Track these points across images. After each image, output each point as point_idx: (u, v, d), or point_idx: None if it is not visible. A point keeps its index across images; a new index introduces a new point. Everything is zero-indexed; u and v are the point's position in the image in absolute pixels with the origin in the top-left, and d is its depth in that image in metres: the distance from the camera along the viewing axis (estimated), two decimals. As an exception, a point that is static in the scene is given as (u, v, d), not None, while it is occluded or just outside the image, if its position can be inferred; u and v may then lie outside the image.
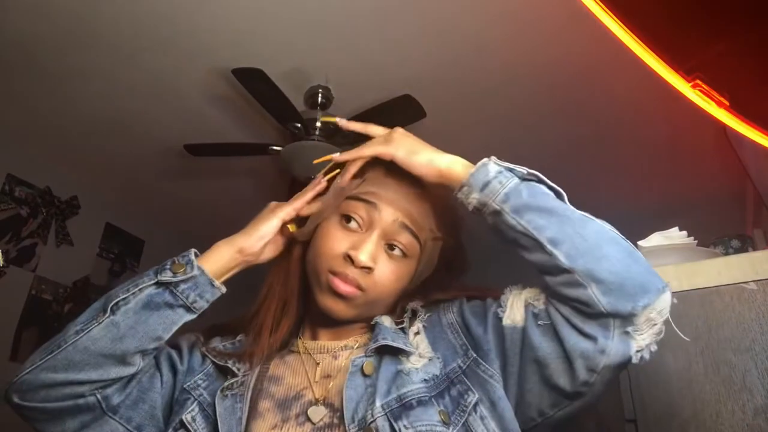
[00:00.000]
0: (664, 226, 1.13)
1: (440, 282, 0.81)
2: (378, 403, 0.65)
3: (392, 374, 0.70)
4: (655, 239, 1.10)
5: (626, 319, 0.61)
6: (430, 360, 0.71)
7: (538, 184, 0.70)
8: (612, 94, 2.43)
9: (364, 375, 0.70)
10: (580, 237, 0.64)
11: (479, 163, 0.72)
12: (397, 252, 0.75)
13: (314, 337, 0.80)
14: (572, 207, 0.68)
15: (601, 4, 0.75)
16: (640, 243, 1.11)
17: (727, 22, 0.74)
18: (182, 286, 0.71)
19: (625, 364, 0.62)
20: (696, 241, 1.10)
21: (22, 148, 3.08)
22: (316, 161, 0.81)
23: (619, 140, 2.77)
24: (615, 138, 2.76)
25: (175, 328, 0.72)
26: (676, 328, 0.66)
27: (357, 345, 0.77)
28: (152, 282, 0.71)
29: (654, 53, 0.75)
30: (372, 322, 0.77)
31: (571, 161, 2.96)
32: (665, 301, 0.62)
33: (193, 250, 0.75)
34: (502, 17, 2.08)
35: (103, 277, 3.52)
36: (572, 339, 0.63)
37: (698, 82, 0.74)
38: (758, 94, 0.79)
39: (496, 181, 0.70)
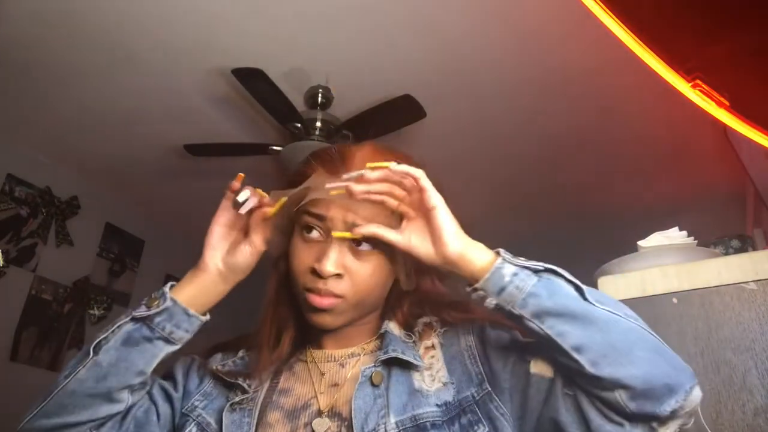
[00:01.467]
0: (664, 226, 1.13)
1: (441, 278, 0.80)
2: (393, 419, 0.66)
3: (407, 390, 0.69)
4: (655, 239, 1.10)
5: (653, 419, 0.60)
6: (444, 385, 0.70)
7: (557, 279, 0.65)
8: (612, 94, 2.43)
9: (373, 385, 0.70)
10: (607, 343, 0.61)
11: (493, 267, 0.64)
12: (364, 246, 0.72)
13: (320, 346, 0.79)
14: (593, 300, 0.63)
15: (601, 4, 0.75)
16: (640, 243, 1.11)
17: (727, 23, 0.74)
18: (157, 319, 0.70)
19: None
20: (696, 241, 1.10)
21: (22, 148, 3.08)
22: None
23: (619, 140, 2.77)
24: (615, 138, 2.76)
25: (156, 361, 0.71)
26: (705, 424, 0.67)
27: (364, 353, 0.77)
28: (129, 318, 0.71)
29: (654, 53, 0.75)
30: (381, 331, 0.76)
31: (571, 161, 2.96)
32: (694, 400, 0.60)
33: (170, 283, 0.74)
34: (502, 17, 2.08)
35: (103, 277, 3.52)
36: (597, 421, 0.62)
37: (698, 82, 0.74)
38: (758, 94, 0.79)
39: (513, 286, 0.64)
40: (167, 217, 3.84)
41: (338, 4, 2.07)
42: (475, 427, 0.66)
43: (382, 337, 0.75)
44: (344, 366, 0.76)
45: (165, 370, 0.80)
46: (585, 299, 0.63)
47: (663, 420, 0.59)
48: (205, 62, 2.37)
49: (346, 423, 0.68)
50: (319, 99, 2.48)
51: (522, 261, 0.66)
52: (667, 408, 0.59)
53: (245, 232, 0.75)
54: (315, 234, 0.73)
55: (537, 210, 3.40)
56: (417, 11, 2.08)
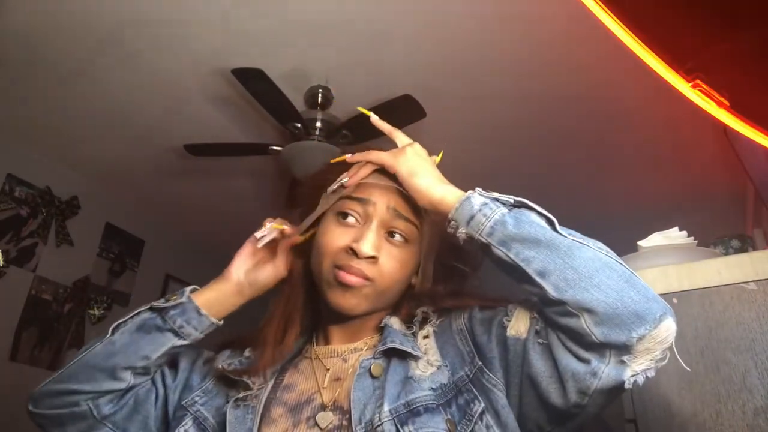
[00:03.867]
0: (664, 226, 1.13)
1: (455, 285, 0.81)
2: (386, 407, 0.66)
3: (401, 378, 0.70)
4: (655, 239, 1.10)
5: (621, 349, 0.59)
6: (438, 368, 0.71)
7: (527, 212, 0.67)
8: (612, 94, 2.43)
9: (372, 376, 0.71)
10: (569, 267, 0.62)
11: (463, 197, 0.69)
12: (398, 238, 0.76)
13: (327, 341, 0.80)
14: (564, 233, 0.65)
15: (601, 4, 0.75)
16: (640, 243, 1.11)
17: (727, 23, 0.74)
18: (171, 312, 0.78)
19: (618, 389, 0.61)
20: (696, 241, 1.10)
21: (22, 148, 3.08)
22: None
23: (619, 140, 2.77)
24: (615, 138, 2.76)
25: (162, 350, 0.78)
26: (677, 356, 0.63)
27: (366, 347, 0.78)
28: (147, 307, 0.80)
29: (654, 53, 0.75)
30: (381, 324, 0.78)
31: (571, 161, 2.96)
32: (665, 329, 0.59)
33: (193, 286, 0.82)
34: (502, 18, 2.09)
35: (103, 277, 3.52)
36: (565, 360, 0.62)
37: (698, 82, 0.74)
38: (758, 94, 0.79)
39: (481, 213, 0.67)
40: (167, 217, 3.84)
41: (338, 4, 2.07)
42: (472, 405, 0.67)
43: (382, 331, 0.77)
44: (347, 360, 0.77)
45: (172, 358, 0.84)
46: (555, 230, 0.65)
47: (633, 351, 0.58)
48: (205, 62, 2.37)
49: (347, 416, 0.68)
50: (319, 99, 2.48)
51: (494, 194, 0.69)
52: (634, 335, 0.58)
53: (272, 253, 0.83)
54: (351, 219, 0.77)
55: (537, 210, 3.40)
56: (417, 11, 2.08)
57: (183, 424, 0.74)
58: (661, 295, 0.90)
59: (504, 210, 0.67)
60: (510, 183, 3.16)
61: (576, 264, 0.62)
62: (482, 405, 0.67)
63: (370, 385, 0.70)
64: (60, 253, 3.26)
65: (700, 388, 0.83)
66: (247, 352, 0.81)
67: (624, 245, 1.14)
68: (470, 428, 0.65)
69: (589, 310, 0.59)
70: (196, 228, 3.90)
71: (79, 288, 3.36)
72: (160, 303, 0.79)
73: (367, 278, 0.74)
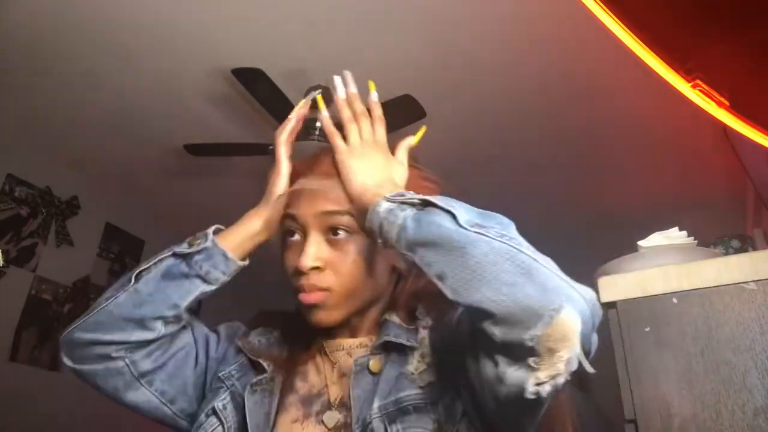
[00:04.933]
0: (664, 226, 1.13)
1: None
2: (375, 404, 0.66)
3: (395, 375, 0.70)
4: (655, 239, 1.10)
5: (523, 350, 0.52)
6: (428, 366, 0.70)
7: (431, 211, 0.63)
8: (612, 94, 2.43)
9: (372, 373, 0.71)
10: (463, 266, 0.57)
11: (371, 207, 0.67)
12: (341, 234, 0.74)
13: (333, 335, 0.79)
14: (467, 224, 0.59)
15: (601, 4, 0.75)
16: (640, 243, 1.11)
17: (727, 23, 0.74)
18: (196, 257, 0.75)
19: (524, 398, 0.53)
20: (696, 241, 1.10)
21: (22, 148, 3.08)
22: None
23: (619, 140, 2.78)
24: (615, 138, 2.76)
25: (190, 297, 0.75)
26: (586, 364, 0.54)
27: (372, 343, 0.77)
28: (170, 254, 0.76)
29: (654, 53, 0.75)
30: (382, 320, 0.77)
31: (571, 161, 2.96)
32: (562, 324, 0.51)
33: (216, 226, 0.79)
34: (503, 18, 2.09)
35: (103, 277, 3.52)
36: (482, 363, 0.58)
37: (698, 82, 0.74)
38: (758, 94, 0.79)
39: (387, 221, 0.64)
40: (167, 217, 3.84)
41: (338, 3, 2.07)
42: (455, 405, 0.67)
43: (382, 325, 0.76)
44: (351, 356, 0.76)
45: (212, 327, 0.84)
46: (457, 224, 0.59)
47: (537, 353, 0.51)
48: (205, 62, 2.37)
49: (350, 413, 0.69)
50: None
51: (401, 197, 0.66)
52: (528, 335, 0.51)
53: None
54: (296, 237, 0.76)
55: (536, 210, 3.40)
56: (417, 11, 2.08)
57: (221, 398, 0.74)
58: (661, 295, 0.91)
59: (408, 213, 0.64)
60: (510, 183, 3.17)
61: (469, 261, 0.57)
62: (461, 405, 0.67)
63: (370, 382, 0.70)
64: (60, 253, 3.26)
65: (700, 388, 0.83)
66: (276, 333, 0.81)
67: (624, 245, 1.14)
68: (455, 428, 0.65)
69: (484, 311, 0.54)
70: (196, 228, 3.87)
71: (79, 288, 3.36)
72: (183, 248, 0.76)
73: (323, 289, 0.72)
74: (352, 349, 0.77)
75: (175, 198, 3.58)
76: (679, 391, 0.84)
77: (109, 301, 0.74)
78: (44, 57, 2.38)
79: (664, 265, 0.94)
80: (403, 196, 0.66)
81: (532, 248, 0.58)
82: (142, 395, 0.75)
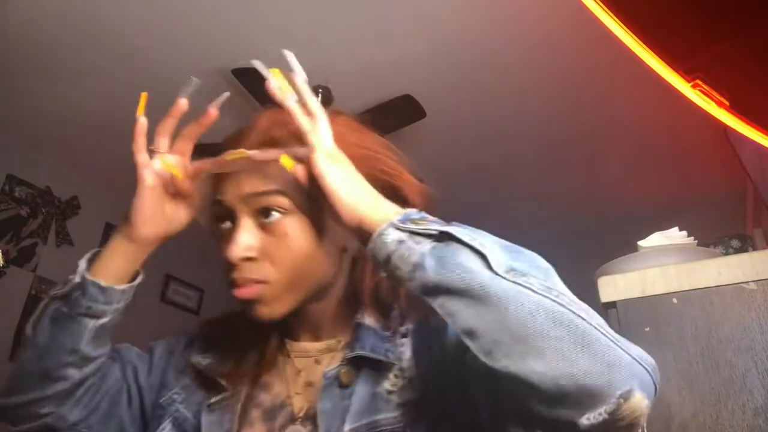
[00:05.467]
0: (664, 226, 1.13)
1: None
2: (347, 427, 0.59)
3: (370, 392, 0.62)
4: (655, 239, 1.10)
5: (571, 429, 0.46)
6: (409, 381, 0.62)
7: (453, 246, 0.52)
8: (612, 94, 2.43)
9: (342, 386, 0.63)
10: (500, 326, 0.47)
11: (376, 233, 0.54)
12: (274, 216, 0.63)
13: (296, 337, 0.71)
14: (501, 270, 0.49)
15: (601, 5, 0.75)
16: (640, 243, 1.11)
17: (727, 23, 0.74)
18: (73, 295, 0.66)
19: None
20: (696, 241, 1.10)
21: (22, 148, 3.08)
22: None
23: (619, 140, 2.78)
24: (615, 138, 2.76)
25: (85, 337, 0.66)
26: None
27: (341, 346, 0.69)
28: (50, 298, 0.68)
29: (654, 53, 0.75)
30: (355, 321, 0.68)
31: (571, 161, 2.96)
32: (635, 409, 0.45)
33: (94, 250, 0.69)
34: (503, 18, 2.09)
35: (103, 277, 3.52)
36: (506, 421, 0.52)
37: (698, 82, 0.74)
38: (758, 94, 0.79)
39: (397, 255, 0.53)
40: (167, 217, 3.84)
41: (338, 3, 2.07)
42: (442, 424, 0.60)
43: (356, 330, 0.67)
44: (320, 362, 0.68)
45: (147, 347, 0.76)
46: (489, 267, 0.49)
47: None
48: (205, 62, 2.37)
49: (317, 429, 0.62)
50: (319, 99, 2.47)
51: (414, 226, 0.54)
52: (586, 420, 0.44)
53: (175, 194, 0.70)
54: (227, 224, 0.67)
55: (536, 210, 3.40)
56: (417, 11, 2.08)
57: (161, 427, 0.67)
58: (661, 295, 0.91)
59: (425, 248, 0.52)
60: (509, 182, 3.17)
61: (510, 321, 0.47)
62: (449, 424, 0.59)
63: (339, 396, 0.63)
64: (60, 253, 3.25)
65: (700, 388, 0.83)
66: (222, 341, 0.72)
67: (624, 245, 1.14)
68: None
69: (527, 384, 0.46)
70: (196, 228, 3.89)
71: (79, 288, 3.36)
72: (58, 290, 0.67)
73: (258, 281, 0.63)
74: (319, 354, 0.69)
75: (175, 198, 3.58)
76: (679, 391, 0.84)
77: (19, 361, 0.68)
78: (44, 57, 2.38)
79: (664, 265, 0.94)
80: (413, 222, 0.55)
81: (579, 303, 0.49)
82: None
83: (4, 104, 2.73)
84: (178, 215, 0.69)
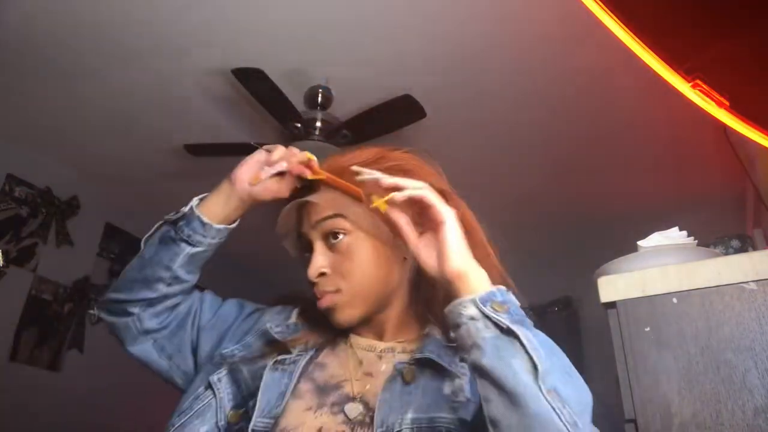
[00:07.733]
0: (664, 226, 1.13)
1: None
2: (410, 415, 0.66)
3: (433, 391, 0.70)
4: (655, 239, 1.10)
5: None
6: (467, 401, 0.69)
7: (514, 345, 0.58)
8: (612, 94, 2.43)
9: (404, 381, 0.71)
10: (521, 429, 0.55)
11: (457, 301, 0.63)
12: (341, 237, 0.77)
13: (360, 334, 0.81)
14: (545, 389, 0.55)
15: (601, 5, 0.75)
16: (640, 243, 1.11)
17: (727, 23, 0.74)
18: (180, 223, 0.82)
19: None
20: (696, 241, 1.10)
21: (22, 148, 3.08)
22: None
23: (618, 140, 2.77)
24: (615, 138, 2.76)
25: (180, 259, 0.81)
26: None
27: (401, 350, 0.78)
28: (163, 221, 0.85)
29: (654, 53, 0.75)
30: (424, 332, 0.78)
31: (571, 161, 2.96)
32: None
33: (202, 195, 0.84)
34: (503, 18, 2.09)
35: (103, 277, 3.52)
36: None
37: (698, 82, 0.74)
38: (758, 94, 0.79)
39: (465, 329, 0.61)
40: (167, 217, 3.84)
41: (338, 4, 2.07)
42: None
43: (424, 338, 0.77)
44: (381, 358, 0.77)
45: (238, 300, 0.91)
46: (536, 379, 0.56)
47: None
48: (205, 62, 2.37)
49: (370, 413, 0.69)
50: (319, 99, 2.48)
51: (491, 311, 0.60)
52: None
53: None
54: (309, 255, 0.80)
55: (536, 210, 3.40)
56: (417, 11, 2.08)
57: (218, 372, 0.76)
58: (661, 295, 0.91)
59: (490, 335, 0.59)
60: (510, 182, 3.17)
61: (529, 428, 0.54)
62: None
63: (400, 389, 0.70)
64: (60, 253, 3.25)
65: (700, 388, 0.83)
66: (293, 316, 0.83)
67: (624, 245, 1.14)
68: None
69: None
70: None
71: (79, 288, 3.36)
72: (171, 215, 0.83)
73: (332, 292, 0.76)
74: (382, 352, 0.78)
75: (175, 198, 3.56)
76: (679, 391, 0.84)
77: (127, 267, 0.85)
78: (45, 57, 2.38)
79: (664, 265, 0.94)
80: (493, 306, 0.61)
81: None
82: (141, 349, 0.84)
83: (4, 104, 2.73)
84: (272, 186, 0.82)
